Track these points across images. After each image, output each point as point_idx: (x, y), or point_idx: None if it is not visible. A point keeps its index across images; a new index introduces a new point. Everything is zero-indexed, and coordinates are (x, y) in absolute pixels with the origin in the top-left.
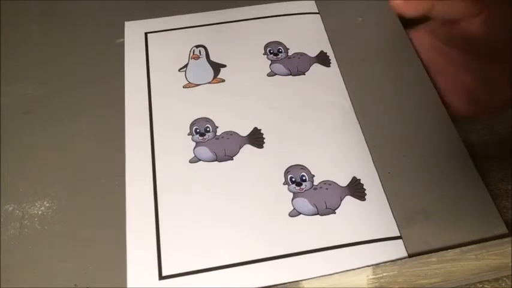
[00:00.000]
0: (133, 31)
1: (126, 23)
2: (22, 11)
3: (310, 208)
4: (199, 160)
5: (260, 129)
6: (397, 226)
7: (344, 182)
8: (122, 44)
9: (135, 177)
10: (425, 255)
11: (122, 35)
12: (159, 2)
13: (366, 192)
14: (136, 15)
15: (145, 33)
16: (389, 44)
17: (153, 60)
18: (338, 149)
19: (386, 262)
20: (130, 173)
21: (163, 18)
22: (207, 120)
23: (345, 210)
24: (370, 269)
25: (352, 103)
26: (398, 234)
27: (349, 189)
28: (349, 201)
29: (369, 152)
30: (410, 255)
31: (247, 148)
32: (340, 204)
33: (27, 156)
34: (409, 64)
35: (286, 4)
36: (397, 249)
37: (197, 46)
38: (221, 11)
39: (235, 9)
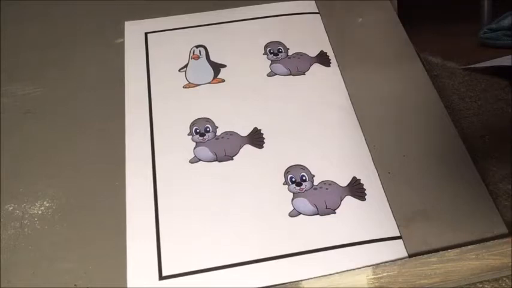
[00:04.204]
0: (133, 31)
1: (126, 23)
2: (22, 11)
3: (310, 208)
4: (199, 160)
5: (260, 129)
6: (397, 226)
7: (344, 182)
8: (122, 44)
9: (135, 178)
10: (425, 255)
11: (122, 35)
12: (159, 2)
13: (366, 192)
14: (136, 15)
15: (145, 33)
16: (390, 44)
17: (153, 60)
18: (338, 149)
19: (386, 262)
20: (130, 173)
21: (163, 18)
22: (207, 120)
23: (345, 210)
24: (370, 269)
25: (352, 103)
26: (399, 234)
27: (349, 189)
28: (349, 201)
29: (369, 152)
30: (410, 255)
31: (247, 148)
32: (340, 204)
33: (27, 156)
34: (409, 64)
35: (286, 4)
36: (397, 249)
37: (197, 46)
38: (221, 11)
39: (235, 9)
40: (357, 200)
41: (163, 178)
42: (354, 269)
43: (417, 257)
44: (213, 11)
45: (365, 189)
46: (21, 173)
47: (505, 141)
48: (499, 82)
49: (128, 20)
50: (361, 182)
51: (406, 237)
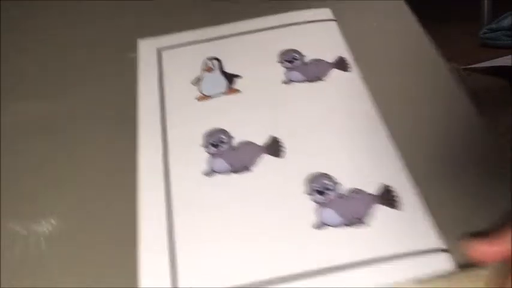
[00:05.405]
0: (146, 47)
1: (139, 41)
2: (32, 27)
3: (337, 219)
4: (215, 172)
5: (278, 138)
6: (439, 237)
7: (373, 189)
8: (135, 59)
9: (147, 193)
10: (472, 268)
11: (135, 51)
12: (171, 19)
13: (399, 200)
14: (149, 31)
15: (158, 50)
16: (411, 48)
17: (167, 75)
18: (364, 155)
19: (429, 276)
20: (142, 189)
21: (175, 34)
22: (222, 131)
23: (377, 221)
24: (411, 285)
25: (376, 108)
26: (441, 246)
27: (380, 197)
28: (381, 210)
29: (397, 157)
30: (456, 268)
31: (266, 158)
32: (371, 213)
33: (33, 172)
34: (432, 66)
35: (300, 13)
36: (441, 262)
37: (210, 58)
38: (233, 23)
39: (247, 21)
40: (390, 209)
41: (178, 192)
42: (393, 286)
43: (464, 270)
44: (224, 24)
45: (398, 197)
46: (26, 190)
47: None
48: (499, 82)
49: (140, 36)
50: (393, 189)
51: (450, 248)
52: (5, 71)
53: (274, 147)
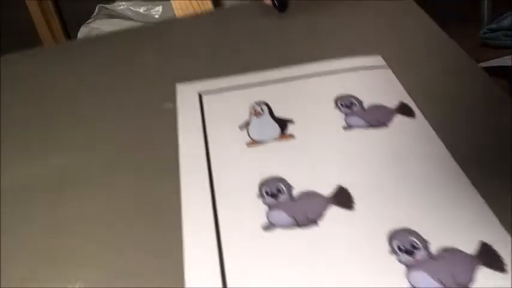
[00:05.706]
0: (185, 92)
1: (178, 85)
2: (64, 79)
3: (434, 284)
4: (275, 226)
5: (346, 188)
6: None
7: (471, 248)
8: (174, 107)
9: (195, 256)
10: None
11: (174, 98)
12: (211, 64)
13: (504, 261)
14: (188, 77)
15: (199, 94)
16: (473, 88)
17: (210, 121)
18: (449, 208)
19: None
20: (189, 252)
21: (215, 79)
22: (279, 179)
23: (482, 287)
24: None
25: (451, 154)
26: None
27: (481, 258)
28: (485, 273)
29: (487, 208)
30: None
31: (334, 210)
32: (474, 278)
33: (59, 230)
34: (498, 100)
35: (351, 60)
36: None
37: (258, 103)
38: (279, 69)
39: (292, 67)
40: (496, 272)
41: (233, 252)
42: None
43: None
44: (270, 70)
45: (501, 257)
46: (49, 251)
47: None
48: (499, 82)
49: (179, 81)
50: (493, 247)
51: None
52: (37, 121)
53: (343, 198)
